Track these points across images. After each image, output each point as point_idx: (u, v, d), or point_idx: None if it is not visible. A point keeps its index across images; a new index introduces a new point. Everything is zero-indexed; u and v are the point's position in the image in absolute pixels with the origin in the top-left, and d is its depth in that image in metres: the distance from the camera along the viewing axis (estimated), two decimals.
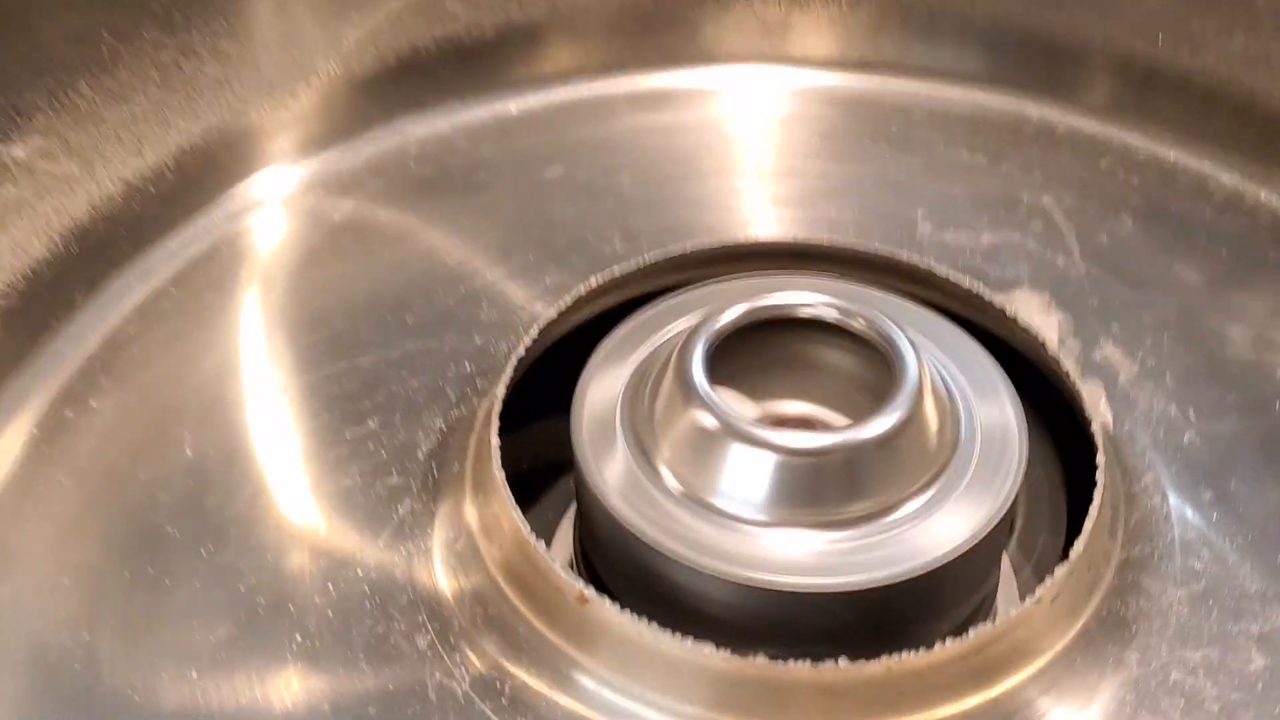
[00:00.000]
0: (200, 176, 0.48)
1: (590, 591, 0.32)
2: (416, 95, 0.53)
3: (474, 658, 0.33)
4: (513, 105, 0.53)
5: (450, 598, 0.35)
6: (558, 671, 0.32)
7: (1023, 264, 0.45)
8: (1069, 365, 0.38)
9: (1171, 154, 0.50)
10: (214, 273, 0.46)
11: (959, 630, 0.35)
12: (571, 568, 0.38)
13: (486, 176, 0.50)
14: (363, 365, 0.42)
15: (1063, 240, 0.46)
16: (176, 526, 0.37)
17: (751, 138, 0.52)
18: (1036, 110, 0.53)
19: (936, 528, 0.33)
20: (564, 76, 0.54)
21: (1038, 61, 0.53)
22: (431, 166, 0.50)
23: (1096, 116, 0.52)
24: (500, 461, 0.35)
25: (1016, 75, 0.53)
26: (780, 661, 0.30)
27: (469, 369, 0.41)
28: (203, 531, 0.37)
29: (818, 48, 0.55)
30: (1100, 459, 0.35)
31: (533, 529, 0.34)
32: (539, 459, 0.43)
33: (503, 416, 0.37)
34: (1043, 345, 0.39)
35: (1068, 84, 0.53)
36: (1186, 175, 0.49)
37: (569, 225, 0.47)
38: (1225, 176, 0.49)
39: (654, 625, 0.31)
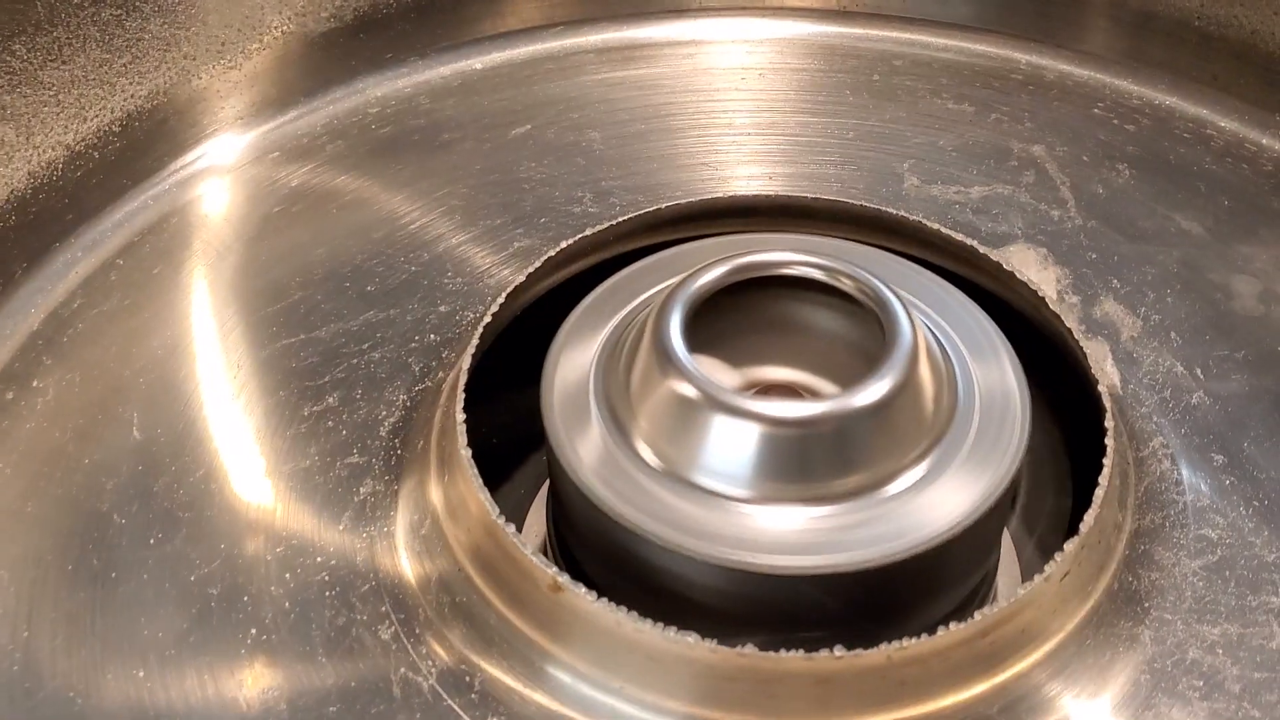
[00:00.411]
0: (148, 141, 0.46)
1: (564, 578, 0.29)
2: (376, 52, 0.51)
3: (440, 650, 0.31)
4: (477, 61, 0.51)
5: (415, 585, 0.32)
6: (530, 665, 0.30)
7: (1016, 218, 0.43)
8: (1071, 323, 0.36)
9: (1168, 99, 0.49)
10: (164, 243, 0.44)
11: (957, 612, 0.33)
12: (545, 551, 0.36)
13: (450, 136, 0.48)
14: (321, 338, 0.40)
15: (1056, 192, 0.44)
16: (123, 514, 0.35)
17: (727, 91, 0.50)
18: (1025, 56, 0.51)
19: (934, 502, 0.31)
20: (530, 30, 0.53)
21: (1025, 4, 0.52)
22: (393, 127, 0.48)
23: (1088, 61, 0.50)
24: (466, 438, 0.32)
25: (1003, 19, 0.52)
26: (771, 651, 0.28)
27: (433, 339, 0.39)
28: (151, 519, 0.35)
29: None
30: (1109, 423, 0.33)
31: (503, 509, 0.32)
32: (510, 433, 0.41)
33: (470, 389, 0.35)
34: (1043, 301, 0.37)
35: (1057, 27, 0.51)
36: (1184, 121, 0.48)
37: (537, 186, 0.45)
38: (1224, 121, 0.47)
39: (633, 614, 0.29)
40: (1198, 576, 0.32)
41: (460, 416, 0.33)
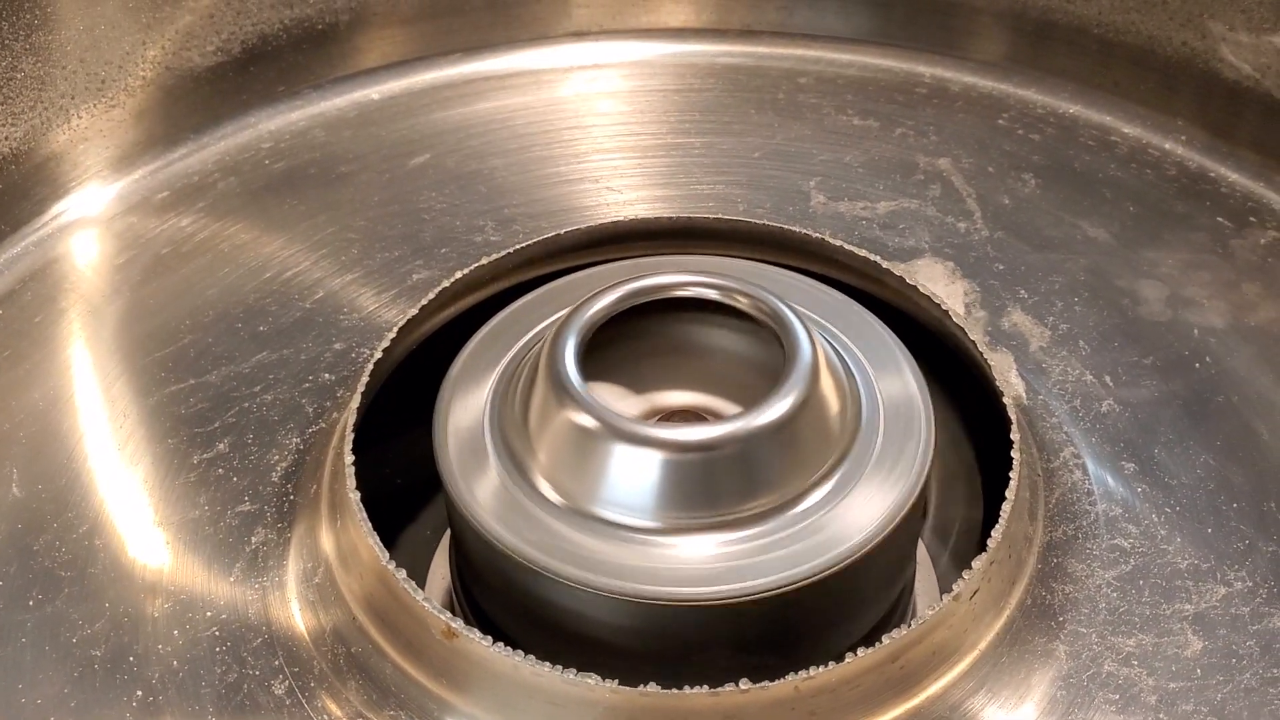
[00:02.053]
0: (26, 185, 0.44)
1: (457, 623, 0.28)
2: (267, 85, 0.49)
3: (335, 705, 0.30)
4: (374, 91, 0.50)
5: (308, 637, 0.31)
6: (429, 715, 0.29)
7: (923, 231, 0.43)
8: (976, 335, 0.36)
9: (1072, 107, 0.48)
10: (46, 290, 0.42)
11: (878, 629, 0.32)
12: (451, 599, 0.35)
13: (347, 169, 0.47)
14: (212, 382, 0.38)
15: (963, 204, 0.44)
16: None
17: (630, 114, 0.49)
18: (929, 69, 0.51)
19: (845, 517, 0.30)
20: (428, 58, 0.51)
21: (927, 17, 0.51)
22: (287, 161, 0.47)
23: (991, 72, 0.50)
24: (355, 481, 0.31)
25: (906, 33, 0.51)
26: (674, 689, 0.27)
27: (328, 378, 0.38)
28: (30, 579, 0.33)
29: (697, 16, 0.53)
30: (1014, 435, 0.32)
31: (407, 553, 0.30)
32: (414, 472, 0.39)
33: (369, 428, 0.34)
34: (947, 315, 0.36)
35: (960, 39, 0.51)
36: (1088, 129, 0.48)
37: (438, 215, 0.44)
38: (1128, 128, 0.47)
39: (530, 658, 0.28)
40: (1111, 587, 0.32)
41: (349, 459, 0.32)
